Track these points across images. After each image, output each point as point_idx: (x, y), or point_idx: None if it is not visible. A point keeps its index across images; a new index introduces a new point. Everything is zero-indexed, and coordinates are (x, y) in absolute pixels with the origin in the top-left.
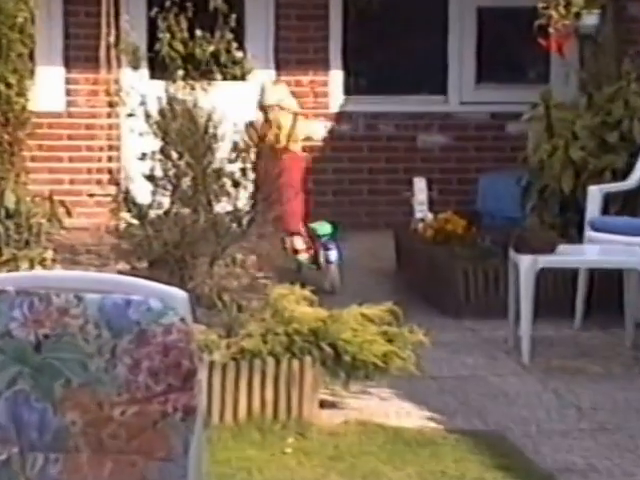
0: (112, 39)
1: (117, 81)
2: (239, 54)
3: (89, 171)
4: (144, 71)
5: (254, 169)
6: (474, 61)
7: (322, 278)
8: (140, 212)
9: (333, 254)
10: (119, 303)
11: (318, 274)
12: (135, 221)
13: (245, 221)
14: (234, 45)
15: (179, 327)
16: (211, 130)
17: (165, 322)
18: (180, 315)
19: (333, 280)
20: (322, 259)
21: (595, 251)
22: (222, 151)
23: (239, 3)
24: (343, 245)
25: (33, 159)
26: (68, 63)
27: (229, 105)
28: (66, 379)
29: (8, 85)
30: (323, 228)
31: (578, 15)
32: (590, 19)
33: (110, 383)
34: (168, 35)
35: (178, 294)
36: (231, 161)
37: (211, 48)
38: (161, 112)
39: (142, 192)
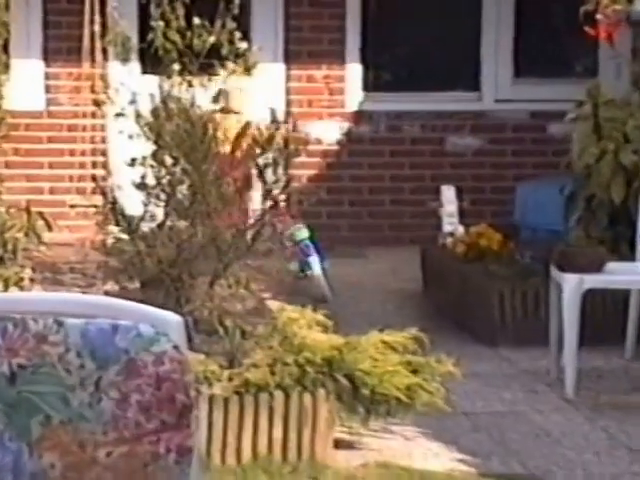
0: (98, 28)
1: (104, 76)
2: (243, 45)
3: (72, 179)
4: (135, 65)
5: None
6: (511, 53)
7: (311, 287)
8: (130, 225)
9: (315, 261)
10: (105, 329)
11: (307, 282)
12: (124, 235)
13: (250, 235)
14: (237, 35)
15: (173, 356)
16: (211, 132)
17: (157, 350)
18: (174, 342)
19: (321, 290)
20: (304, 267)
21: None
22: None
23: None
24: (323, 249)
25: (8, 165)
26: (47, 56)
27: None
28: (44, 415)
29: None
30: (301, 232)
31: None
32: None
33: (94, 420)
34: (162, 24)
35: (172, 318)
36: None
37: (211, 39)
38: (154, 112)
39: (132, 202)
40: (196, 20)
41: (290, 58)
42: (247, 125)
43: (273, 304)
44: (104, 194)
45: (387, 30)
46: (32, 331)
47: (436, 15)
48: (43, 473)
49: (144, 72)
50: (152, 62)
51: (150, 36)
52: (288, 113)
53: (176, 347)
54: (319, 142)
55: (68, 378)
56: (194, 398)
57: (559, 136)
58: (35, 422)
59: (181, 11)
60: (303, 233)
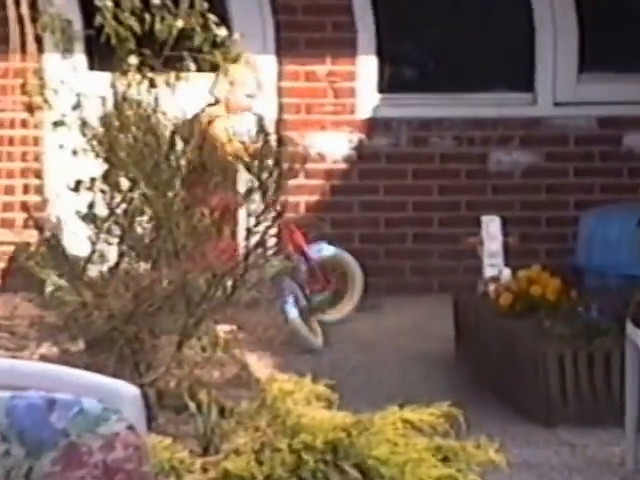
0: (25, 10)
1: (38, 73)
2: (221, 32)
3: None
4: (80, 58)
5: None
6: (576, 41)
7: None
8: (73, 269)
9: (289, 304)
10: (37, 405)
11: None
12: (66, 282)
13: (229, 281)
14: (212, 19)
15: (127, 439)
16: (179, 146)
17: (106, 432)
18: (128, 421)
19: (302, 339)
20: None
21: None
22: None
23: None
24: (307, 281)
25: None
26: None
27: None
28: None
29: None
30: (272, 268)
31: None
32: None
33: None
34: (110, 3)
35: (126, 390)
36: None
37: (179, 24)
38: (105, 119)
39: (76, 239)
40: None
41: (283, 48)
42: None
43: (261, 371)
44: (40, 228)
45: (411, 11)
46: None
47: None
48: None
49: (92, 68)
50: (102, 54)
51: (98, 20)
52: (280, 122)
53: (131, 428)
54: (321, 159)
55: None
56: None
57: (638, 150)
58: None
59: None
60: (273, 269)
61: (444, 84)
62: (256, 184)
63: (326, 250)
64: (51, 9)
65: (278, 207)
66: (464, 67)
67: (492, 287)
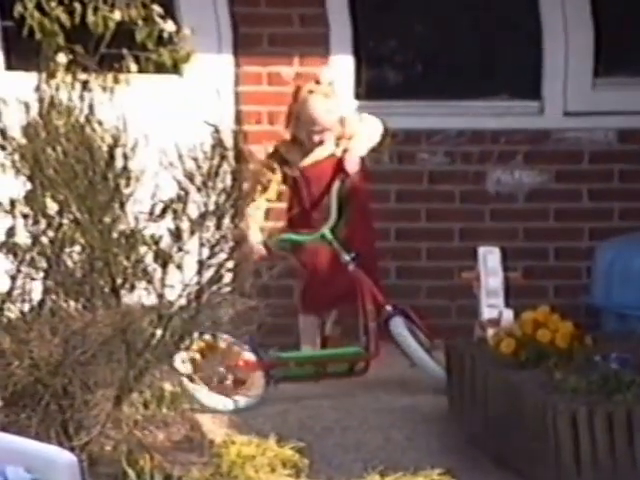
0: None
1: None
2: (168, 27)
3: None
4: None
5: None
6: (591, 42)
7: None
8: None
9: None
10: None
11: None
12: None
13: (178, 324)
14: (157, 11)
15: None
16: (119, 162)
17: None
18: None
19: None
20: None
21: None
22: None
23: None
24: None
25: None
26: None
27: (153, 116)
28: None
29: None
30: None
31: None
32: None
33: None
34: None
35: (59, 457)
36: (154, 217)
37: (116, 16)
38: (28, 129)
39: None
40: None
41: (241, 46)
42: None
43: (215, 432)
44: None
45: (395, 2)
46: None
47: None
48: None
49: (9, 67)
50: (23, 51)
51: (18, 9)
52: (238, 133)
53: None
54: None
55: None
56: None
57: None
58: None
59: None
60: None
61: (434, 90)
62: (211, 208)
63: None
64: None
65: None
66: (459, 70)
67: (491, 331)
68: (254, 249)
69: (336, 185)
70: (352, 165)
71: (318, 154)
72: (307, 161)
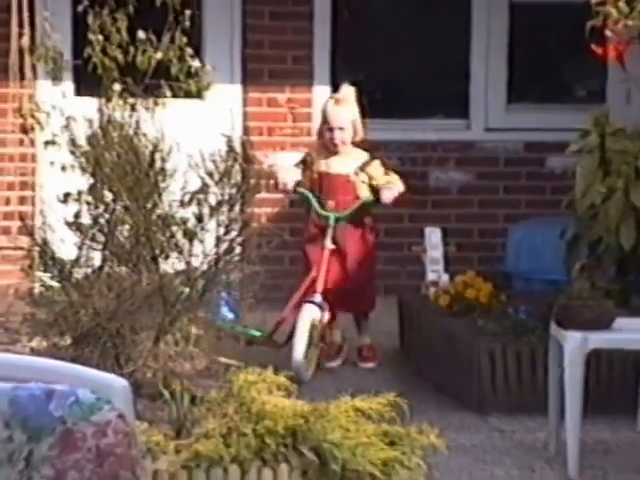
0: (26, 42)
1: (33, 98)
2: (195, 64)
3: None
4: (68, 85)
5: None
6: (505, 73)
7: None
8: (62, 271)
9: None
10: (37, 395)
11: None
12: (55, 283)
13: (201, 284)
14: (188, 52)
15: (117, 426)
16: (158, 163)
17: (99, 420)
18: (119, 410)
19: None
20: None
21: None
22: (173, 191)
23: None
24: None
25: None
26: None
27: (183, 129)
28: None
29: None
30: None
31: None
32: None
33: None
34: (101, 37)
35: (117, 382)
36: (184, 204)
37: (158, 55)
38: (91, 139)
39: (65, 245)
40: (140, 34)
41: (248, 78)
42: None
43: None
44: (32, 235)
45: (361, 47)
46: None
47: (418, 29)
48: None
49: (79, 93)
50: (89, 82)
51: (87, 51)
52: (245, 142)
53: (121, 416)
54: None
55: None
56: (141, 476)
57: (559, 171)
58: None
59: (123, 23)
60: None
61: (390, 111)
62: (226, 197)
63: None
64: (49, 42)
65: (243, 218)
66: (408, 95)
67: (433, 290)
68: (281, 181)
69: (367, 197)
70: (389, 195)
71: (335, 167)
72: (323, 167)
